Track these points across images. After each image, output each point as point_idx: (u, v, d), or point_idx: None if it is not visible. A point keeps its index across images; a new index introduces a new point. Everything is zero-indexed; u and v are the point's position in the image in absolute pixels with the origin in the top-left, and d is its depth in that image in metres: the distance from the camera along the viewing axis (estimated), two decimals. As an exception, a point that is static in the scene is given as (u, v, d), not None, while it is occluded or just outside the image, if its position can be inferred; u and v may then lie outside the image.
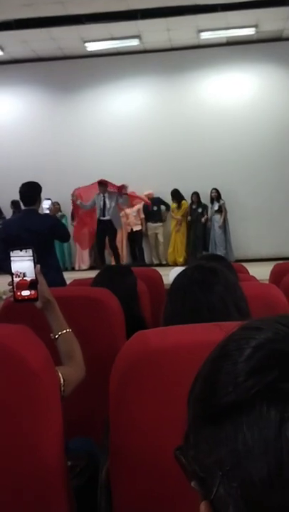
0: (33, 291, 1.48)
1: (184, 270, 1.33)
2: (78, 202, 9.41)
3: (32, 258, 1.49)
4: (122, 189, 9.53)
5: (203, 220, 10.80)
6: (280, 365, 0.43)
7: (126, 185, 9.69)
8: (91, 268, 10.64)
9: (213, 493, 0.44)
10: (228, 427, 0.43)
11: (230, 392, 0.44)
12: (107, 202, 9.34)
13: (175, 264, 10.19)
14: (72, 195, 9.43)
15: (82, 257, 11.06)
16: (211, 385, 0.47)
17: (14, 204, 10.59)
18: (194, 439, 0.48)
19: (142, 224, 10.90)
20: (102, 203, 9.36)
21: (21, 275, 1.49)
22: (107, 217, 9.32)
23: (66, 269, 9.86)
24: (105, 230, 9.34)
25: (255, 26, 10.23)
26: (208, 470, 0.45)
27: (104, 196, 9.34)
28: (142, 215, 10.85)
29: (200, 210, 10.88)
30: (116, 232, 9.67)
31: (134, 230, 10.79)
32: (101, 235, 9.46)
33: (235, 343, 0.48)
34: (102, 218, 9.31)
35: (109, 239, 9.49)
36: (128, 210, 10.60)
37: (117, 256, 9.59)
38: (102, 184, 9.33)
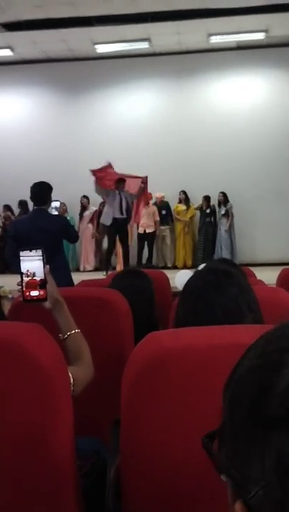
0: (42, 291, 1.49)
1: (197, 272, 1.33)
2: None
3: (41, 258, 1.49)
4: (144, 182, 9.33)
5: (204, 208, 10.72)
6: None
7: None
8: (96, 269, 10.65)
9: (251, 494, 0.44)
10: (277, 438, 0.43)
11: (281, 403, 0.44)
12: (123, 200, 9.17)
13: (184, 267, 10.19)
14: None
15: (88, 257, 11.07)
16: (264, 394, 0.46)
17: (21, 204, 10.61)
18: (232, 439, 0.48)
19: (155, 226, 10.85)
20: (118, 200, 9.16)
21: (31, 275, 1.49)
22: (124, 216, 9.16)
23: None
24: (119, 230, 9.19)
25: (266, 31, 10.25)
26: (248, 476, 0.45)
27: (120, 194, 9.18)
28: (157, 218, 10.80)
29: (209, 213, 10.89)
30: (128, 232, 9.58)
31: (147, 231, 10.73)
32: (114, 235, 9.30)
33: (280, 352, 0.47)
34: (118, 217, 9.08)
35: (121, 239, 9.34)
36: (143, 211, 10.55)
37: (127, 257, 9.49)
38: (121, 181, 9.15)
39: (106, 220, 9.23)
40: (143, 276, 2.42)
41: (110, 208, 9.10)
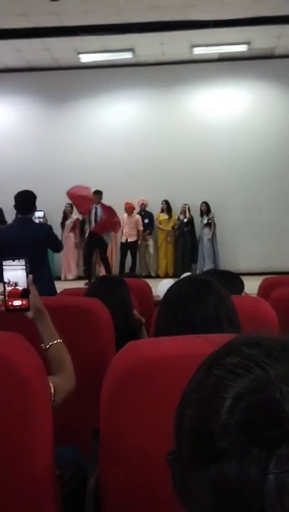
0: (24, 301, 1.49)
1: (177, 282, 1.34)
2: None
3: (24, 268, 1.50)
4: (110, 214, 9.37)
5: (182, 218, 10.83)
6: (259, 417, 0.45)
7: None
8: (79, 278, 10.61)
9: None
10: (214, 471, 0.46)
11: (217, 441, 0.46)
12: (98, 213, 9.22)
13: (166, 276, 10.20)
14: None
15: (70, 266, 11.02)
16: (198, 431, 0.49)
17: None
18: (180, 468, 0.51)
19: (138, 235, 10.85)
20: (94, 214, 9.22)
21: (13, 284, 1.49)
22: None
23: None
24: (95, 243, 9.23)
25: (248, 43, 10.38)
26: (195, 502, 0.49)
27: (96, 207, 9.22)
28: (141, 227, 10.81)
29: (187, 222, 10.93)
30: (106, 245, 9.59)
31: (129, 240, 10.73)
32: (91, 248, 9.33)
33: (214, 388, 0.49)
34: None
35: (100, 251, 9.36)
36: (125, 220, 10.56)
37: (108, 268, 9.50)
38: (98, 193, 9.17)
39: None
40: (118, 283, 2.41)
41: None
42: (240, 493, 0.44)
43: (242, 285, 2.42)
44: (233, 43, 10.34)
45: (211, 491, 0.46)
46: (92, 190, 9.57)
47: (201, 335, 1.06)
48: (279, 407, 0.45)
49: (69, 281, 10.37)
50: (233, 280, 2.17)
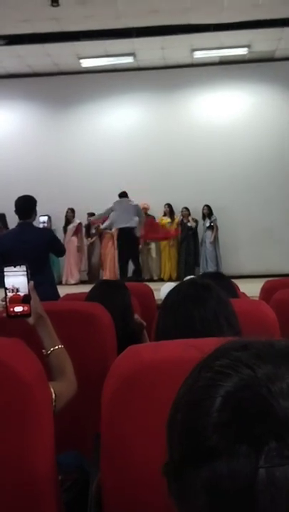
0: (26, 307, 1.49)
1: (176, 286, 1.35)
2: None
3: (26, 274, 1.50)
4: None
5: (190, 225, 10.84)
6: (247, 413, 0.46)
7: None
8: (81, 282, 10.62)
9: None
10: (202, 473, 0.47)
11: (207, 441, 0.47)
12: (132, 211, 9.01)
13: (169, 279, 10.19)
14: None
15: (72, 270, 11.02)
16: (188, 431, 0.50)
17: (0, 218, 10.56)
18: (174, 475, 0.52)
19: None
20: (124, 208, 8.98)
21: (15, 290, 1.50)
22: (130, 225, 8.98)
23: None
24: (127, 239, 9.03)
25: (248, 46, 10.40)
26: (190, 505, 0.49)
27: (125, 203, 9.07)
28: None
29: (190, 225, 10.94)
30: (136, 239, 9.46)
31: None
32: (123, 245, 9.15)
33: (203, 389, 0.50)
34: (124, 226, 8.90)
35: (129, 247, 9.19)
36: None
37: (138, 266, 9.45)
38: (123, 193, 9.06)
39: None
40: (118, 287, 2.41)
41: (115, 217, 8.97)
42: (232, 491, 0.45)
43: (233, 287, 2.41)
44: (234, 47, 10.38)
45: (204, 492, 0.46)
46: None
47: (200, 338, 1.07)
48: (267, 404, 0.46)
49: (71, 285, 10.37)
50: (225, 283, 2.16)
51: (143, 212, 9.37)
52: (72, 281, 10.82)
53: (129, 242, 9.03)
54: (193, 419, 0.49)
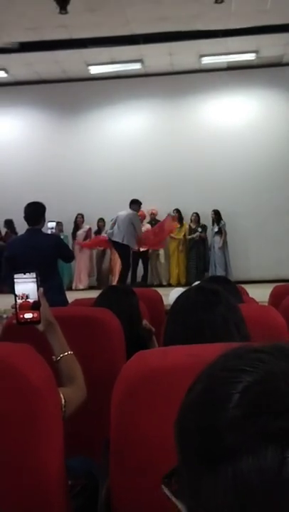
0: (35, 314, 1.50)
1: (185, 291, 1.35)
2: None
3: (35, 280, 1.51)
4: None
5: (196, 235, 10.82)
6: (268, 406, 0.45)
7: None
8: (90, 288, 10.64)
9: None
10: (225, 472, 0.45)
11: (225, 438, 0.46)
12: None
13: (178, 285, 10.17)
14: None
15: (80, 276, 11.05)
16: (205, 431, 0.48)
17: (7, 223, 10.63)
18: (189, 479, 0.50)
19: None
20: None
21: (24, 297, 1.51)
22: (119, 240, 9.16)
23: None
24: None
25: (256, 52, 10.41)
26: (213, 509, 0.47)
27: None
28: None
29: (200, 230, 10.94)
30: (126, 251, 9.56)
31: (141, 249, 10.71)
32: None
33: (222, 388, 0.49)
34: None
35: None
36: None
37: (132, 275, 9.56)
38: (134, 202, 9.11)
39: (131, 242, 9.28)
40: (126, 292, 2.42)
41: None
42: (260, 487, 0.44)
43: (239, 292, 2.40)
44: (241, 52, 10.38)
45: (230, 491, 0.45)
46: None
47: (211, 343, 1.07)
48: (286, 396, 0.46)
49: (80, 291, 10.39)
50: (231, 287, 2.16)
51: (138, 220, 9.34)
52: (81, 287, 10.84)
53: (120, 256, 9.24)
54: (210, 418, 0.48)
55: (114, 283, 9.65)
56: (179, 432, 0.53)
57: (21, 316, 1.49)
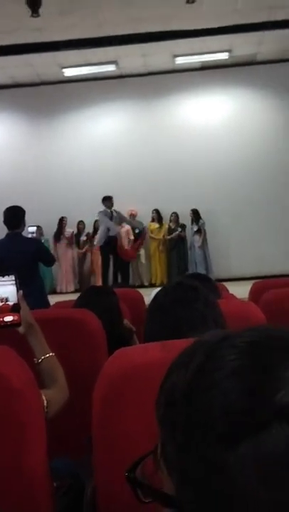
0: (16, 316, 1.50)
1: (163, 287, 1.35)
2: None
3: (15, 283, 1.51)
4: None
5: (175, 234, 10.86)
6: (272, 364, 0.45)
7: None
8: (76, 291, 10.60)
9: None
10: (248, 447, 0.43)
11: (234, 415, 0.44)
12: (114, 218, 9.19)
13: (162, 284, 10.17)
14: None
15: (67, 279, 11.01)
16: (211, 412, 0.45)
17: None
18: (188, 463, 0.47)
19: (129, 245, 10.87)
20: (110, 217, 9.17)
21: (4, 300, 1.50)
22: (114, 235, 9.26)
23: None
24: (113, 248, 9.20)
25: (229, 51, 10.48)
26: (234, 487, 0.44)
27: (112, 211, 9.17)
28: (132, 237, 10.81)
29: (179, 229, 10.98)
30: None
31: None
32: (109, 254, 9.29)
33: (211, 365, 0.48)
34: (110, 235, 9.16)
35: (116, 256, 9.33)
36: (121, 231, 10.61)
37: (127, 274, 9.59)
38: (107, 199, 9.15)
39: (100, 240, 9.27)
40: (106, 293, 2.42)
41: (105, 227, 9.10)
42: (283, 457, 0.42)
43: (217, 289, 2.41)
44: (215, 51, 10.43)
45: (250, 468, 0.43)
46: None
47: (188, 339, 1.08)
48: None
49: (67, 293, 10.34)
50: (209, 284, 2.17)
51: (102, 216, 9.35)
52: (68, 290, 10.83)
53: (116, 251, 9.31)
54: (209, 397, 0.46)
55: (99, 284, 9.65)
56: (164, 421, 0.52)
57: (1, 319, 1.49)
